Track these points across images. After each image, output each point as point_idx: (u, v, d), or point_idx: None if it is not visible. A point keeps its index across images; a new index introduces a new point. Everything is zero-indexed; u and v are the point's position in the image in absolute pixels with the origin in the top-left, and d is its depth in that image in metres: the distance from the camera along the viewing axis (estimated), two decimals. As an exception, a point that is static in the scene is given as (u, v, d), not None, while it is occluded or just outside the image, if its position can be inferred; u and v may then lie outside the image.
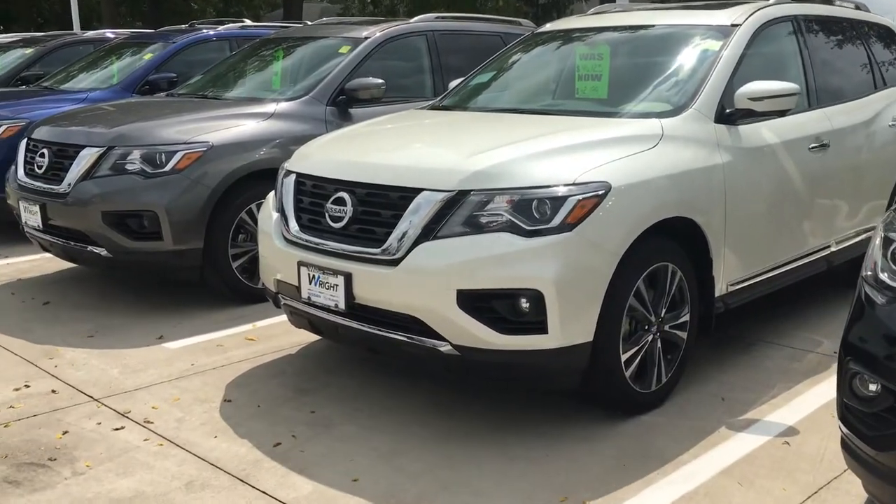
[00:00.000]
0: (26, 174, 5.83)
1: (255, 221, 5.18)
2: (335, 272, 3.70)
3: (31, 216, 5.68)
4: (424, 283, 3.46)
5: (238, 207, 5.43)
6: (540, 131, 4.00)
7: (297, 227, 3.97)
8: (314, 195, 3.96)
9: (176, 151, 5.29)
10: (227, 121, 5.64)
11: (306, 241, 3.89)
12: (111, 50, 9.28)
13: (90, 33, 11.70)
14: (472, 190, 3.47)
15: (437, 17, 7.14)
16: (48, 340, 4.93)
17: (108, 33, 11.14)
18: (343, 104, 6.07)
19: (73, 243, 5.48)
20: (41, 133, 5.93)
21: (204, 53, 8.48)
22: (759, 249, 4.32)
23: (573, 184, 3.47)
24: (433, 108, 5.12)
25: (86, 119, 6.12)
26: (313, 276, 3.81)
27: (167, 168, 5.25)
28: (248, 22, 9.69)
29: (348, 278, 3.65)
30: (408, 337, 3.57)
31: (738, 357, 4.51)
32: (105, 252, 5.30)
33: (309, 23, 8.78)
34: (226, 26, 9.10)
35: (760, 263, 4.36)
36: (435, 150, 4.04)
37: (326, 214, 3.83)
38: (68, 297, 5.82)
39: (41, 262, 6.65)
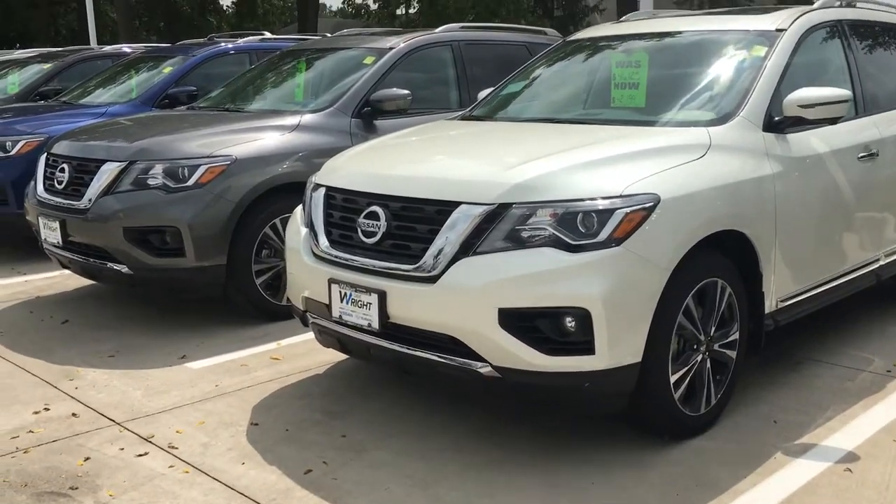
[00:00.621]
0: (46, 190, 5.71)
1: (280, 236, 5.04)
2: (368, 290, 3.53)
3: (50, 232, 5.55)
4: (464, 302, 3.28)
5: (262, 222, 5.27)
6: (581, 141, 3.82)
7: (327, 243, 3.81)
8: (345, 209, 3.79)
9: (199, 165, 5.14)
10: (250, 134, 5.49)
11: (337, 257, 3.73)
12: (130, 64, 9.20)
13: (108, 48, 11.64)
14: (513, 203, 3.30)
15: (462, 27, 7.00)
16: (68, 361, 4.78)
17: (126, 48, 11.08)
18: (368, 116, 5.92)
19: (93, 260, 5.34)
20: (61, 148, 5.81)
21: (223, 66, 8.38)
22: (809, 263, 4.13)
23: (620, 196, 3.29)
24: (464, 118, 4.95)
25: (106, 133, 6.00)
26: (345, 294, 3.64)
27: (190, 182, 5.11)
28: (267, 35, 9.59)
29: (382, 296, 3.48)
30: (445, 358, 3.39)
31: (786, 376, 4.30)
32: (126, 269, 5.16)
33: (329, 34, 8.66)
34: (245, 39, 9.00)
35: (811, 278, 4.16)
36: (472, 161, 3.87)
37: (359, 229, 3.66)
38: (88, 315, 5.68)
39: (60, 280, 6.52)
